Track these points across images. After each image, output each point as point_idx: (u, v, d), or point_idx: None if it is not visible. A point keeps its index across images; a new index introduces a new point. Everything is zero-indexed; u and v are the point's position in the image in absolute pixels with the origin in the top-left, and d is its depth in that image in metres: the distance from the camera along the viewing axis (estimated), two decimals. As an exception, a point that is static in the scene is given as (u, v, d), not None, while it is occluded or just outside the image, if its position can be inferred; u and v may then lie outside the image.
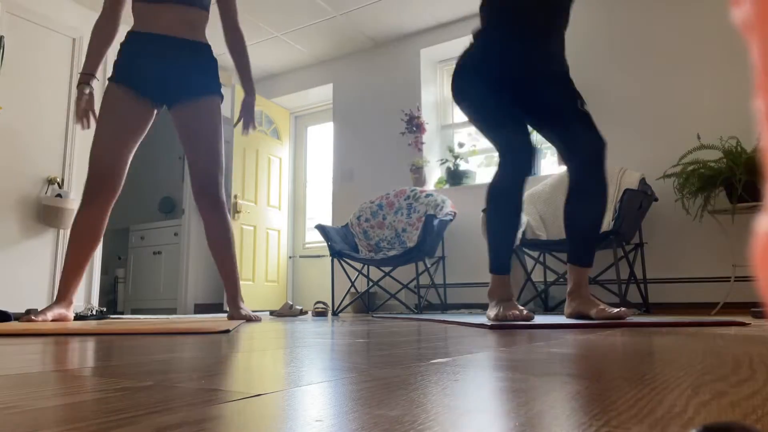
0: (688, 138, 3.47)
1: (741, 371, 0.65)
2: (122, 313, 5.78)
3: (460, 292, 4.25)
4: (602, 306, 2.07)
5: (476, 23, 4.52)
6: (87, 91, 2.48)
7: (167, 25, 2.50)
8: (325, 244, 4.34)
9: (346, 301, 4.57)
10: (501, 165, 2.14)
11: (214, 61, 2.62)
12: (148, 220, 6.31)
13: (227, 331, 1.65)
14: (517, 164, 2.12)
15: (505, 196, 2.14)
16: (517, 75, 2.24)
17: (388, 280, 4.53)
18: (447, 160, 4.53)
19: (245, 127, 2.79)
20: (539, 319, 2.10)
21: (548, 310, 3.60)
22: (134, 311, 5.79)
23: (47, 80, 4.00)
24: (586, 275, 2.24)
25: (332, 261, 4.21)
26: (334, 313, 4.18)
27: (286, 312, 3.91)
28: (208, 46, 2.61)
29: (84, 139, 4.19)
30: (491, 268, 2.19)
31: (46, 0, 4.06)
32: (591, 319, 2.04)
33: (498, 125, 2.19)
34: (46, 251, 3.88)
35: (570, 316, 2.17)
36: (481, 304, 4.05)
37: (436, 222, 3.79)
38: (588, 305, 2.12)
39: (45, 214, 3.82)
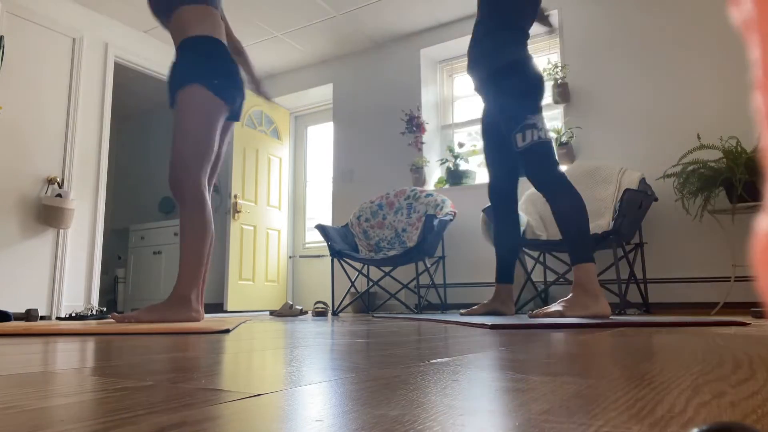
0: (688, 138, 3.47)
1: (741, 371, 0.65)
2: (122, 313, 5.77)
3: (460, 292, 4.25)
4: (550, 308, 2.24)
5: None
6: None
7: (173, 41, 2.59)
8: (325, 244, 4.34)
9: (346, 301, 4.57)
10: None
11: (188, 50, 2.50)
12: (148, 220, 6.31)
13: (227, 331, 1.65)
14: None
15: None
16: None
17: (388, 280, 4.53)
18: (447, 160, 4.53)
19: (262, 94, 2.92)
20: (539, 320, 2.10)
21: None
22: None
23: (47, 80, 4.00)
24: (580, 274, 2.27)
25: (332, 261, 4.21)
26: (334, 313, 4.18)
27: (286, 312, 3.91)
28: (187, 39, 2.50)
29: (84, 139, 4.19)
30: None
31: (46, 0, 4.06)
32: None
33: None
34: (46, 251, 3.88)
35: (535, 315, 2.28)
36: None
37: (436, 222, 3.79)
38: (555, 306, 2.26)
39: (45, 214, 3.82)
